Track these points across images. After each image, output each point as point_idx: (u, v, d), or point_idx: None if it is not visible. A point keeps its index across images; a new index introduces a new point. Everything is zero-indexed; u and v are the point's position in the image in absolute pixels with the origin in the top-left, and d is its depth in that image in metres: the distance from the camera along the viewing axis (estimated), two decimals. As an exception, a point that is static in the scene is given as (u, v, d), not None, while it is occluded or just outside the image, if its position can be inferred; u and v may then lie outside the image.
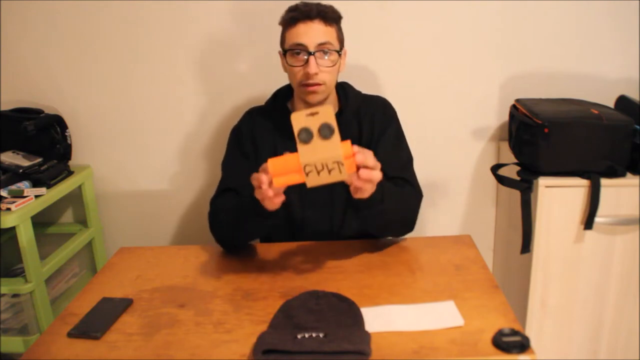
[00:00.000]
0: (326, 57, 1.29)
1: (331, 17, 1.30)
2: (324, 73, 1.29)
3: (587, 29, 1.76)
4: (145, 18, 1.79)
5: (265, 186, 1.04)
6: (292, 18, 1.29)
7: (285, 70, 1.36)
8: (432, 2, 1.75)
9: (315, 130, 0.96)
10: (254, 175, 1.07)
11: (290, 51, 1.29)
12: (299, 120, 0.97)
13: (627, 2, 1.73)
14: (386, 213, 1.19)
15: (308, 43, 1.27)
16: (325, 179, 0.97)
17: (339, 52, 1.32)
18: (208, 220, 1.37)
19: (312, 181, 0.97)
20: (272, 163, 0.99)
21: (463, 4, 1.75)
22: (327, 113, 0.97)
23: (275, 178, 0.99)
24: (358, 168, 1.01)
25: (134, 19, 1.80)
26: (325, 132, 0.96)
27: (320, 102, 1.33)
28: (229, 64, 1.83)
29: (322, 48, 1.28)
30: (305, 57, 1.28)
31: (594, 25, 1.76)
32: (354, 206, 1.18)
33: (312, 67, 1.27)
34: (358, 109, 1.41)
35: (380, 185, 1.12)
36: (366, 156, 1.02)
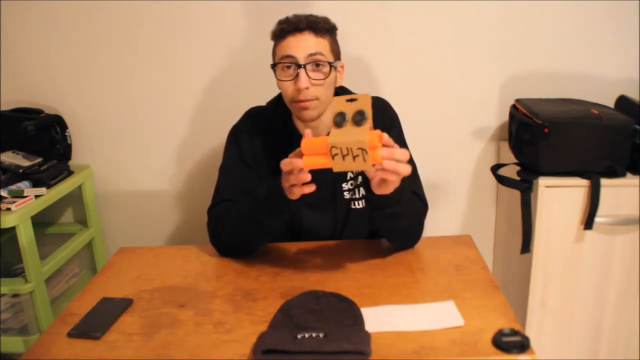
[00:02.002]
0: (318, 70, 1.22)
1: (323, 28, 1.23)
2: (316, 87, 1.22)
3: (587, 29, 1.76)
4: (145, 18, 1.80)
5: (297, 171, 1.03)
6: (282, 30, 1.23)
7: (279, 86, 1.30)
8: (432, 2, 1.75)
9: (349, 116, 0.98)
10: (285, 161, 1.04)
11: (279, 64, 1.23)
12: (338, 104, 0.99)
13: (627, 2, 1.73)
14: (399, 217, 1.17)
15: (297, 55, 1.20)
16: (349, 165, 0.96)
17: (331, 63, 1.24)
18: (208, 230, 1.34)
19: (338, 165, 0.97)
20: (305, 142, 1.00)
21: (463, 4, 1.75)
22: (365, 101, 0.98)
23: (305, 157, 1.00)
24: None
25: (134, 19, 1.80)
26: (357, 117, 0.98)
27: (314, 119, 1.27)
28: (229, 63, 1.83)
29: (313, 59, 1.21)
30: (296, 70, 1.21)
31: (594, 25, 1.76)
32: (370, 204, 1.16)
33: (303, 81, 1.19)
34: None
35: (401, 187, 1.11)
36: (393, 151, 0.99)
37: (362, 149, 0.95)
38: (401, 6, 1.76)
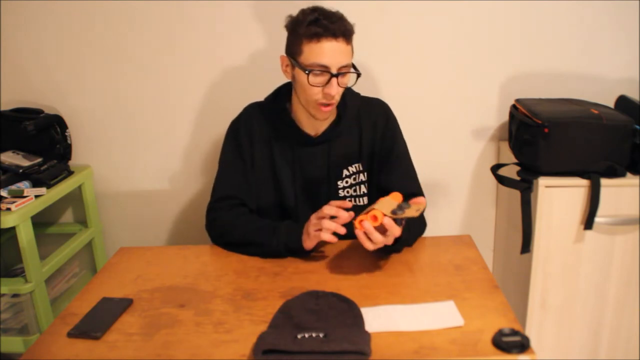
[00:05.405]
0: (345, 77, 1.29)
1: (352, 34, 1.27)
2: (340, 91, 1.29)
3: (587, 29, 1.76)
4: (145, 18, 1.79)
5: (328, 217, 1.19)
6: (316, 34, 1.22)
7: (288, 76, 1.34)
8: (432, 2, 1.75)
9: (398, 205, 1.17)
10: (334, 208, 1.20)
11: (312, 71, 1.25)
12: (392, 202, 1.18)
13: (627, 2, 1.73)
14: (408, 246, 1.31)
15: (332, 65, 1.24)
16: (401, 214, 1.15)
17: (358, 73, 1.31)
18: (206, 224, 1.35)
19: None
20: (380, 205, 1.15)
21: (463, 4, 1.75)
22: (398, 197, 1.21)
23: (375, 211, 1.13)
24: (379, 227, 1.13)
25: (133, 19, 1.80)
26: (403, 205, 1.16)
27: (327, 118, 1.35)
28: (229, 63, 1.83)
29: (345, 70, 1.27)
30: (326, 77, 1.25)
31: (594, 25, 1.76)
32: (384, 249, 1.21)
33: (334, 89, 1.25)
34: (358, 112, 1.41)
35: (407, 229, 1.22)
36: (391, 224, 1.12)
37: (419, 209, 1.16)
38: (401, 6, 1.76)
